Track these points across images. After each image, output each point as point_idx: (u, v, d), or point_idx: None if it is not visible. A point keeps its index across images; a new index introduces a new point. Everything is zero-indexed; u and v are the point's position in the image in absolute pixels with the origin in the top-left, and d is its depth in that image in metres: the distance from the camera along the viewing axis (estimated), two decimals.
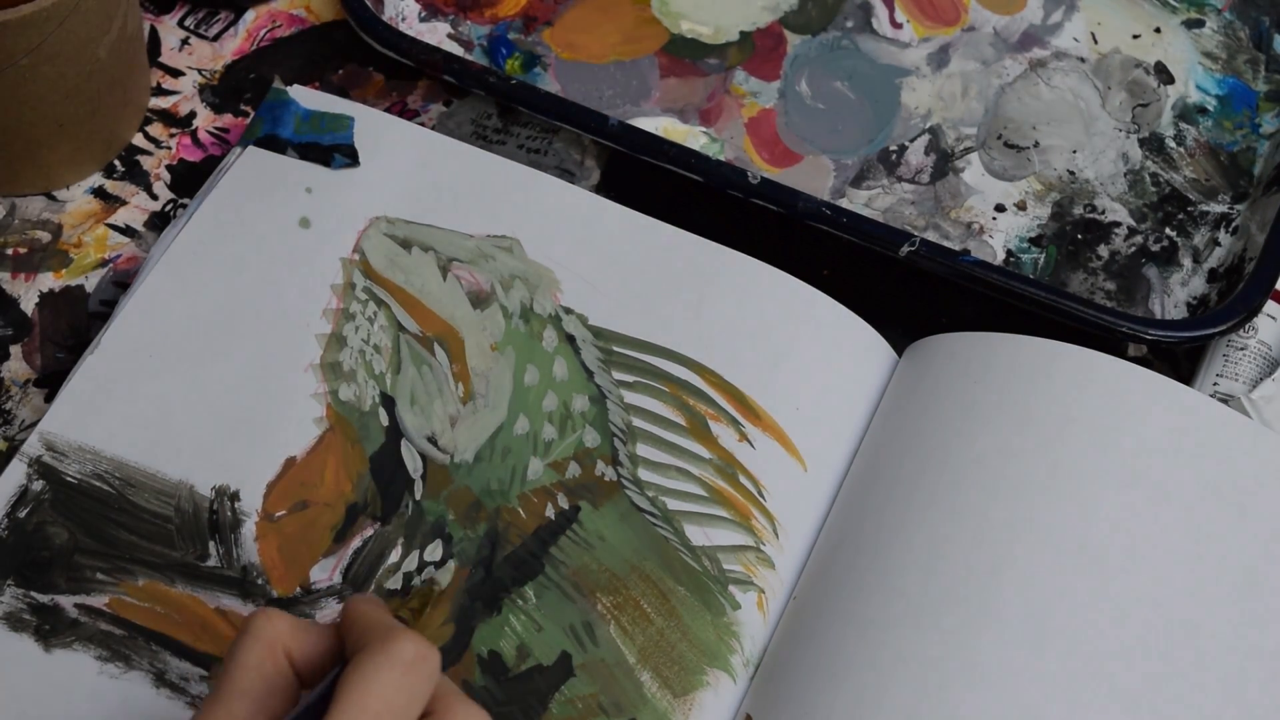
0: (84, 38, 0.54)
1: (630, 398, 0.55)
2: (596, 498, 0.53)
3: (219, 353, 0.55)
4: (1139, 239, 0.62)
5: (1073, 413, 0.52)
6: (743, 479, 0.53)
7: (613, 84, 0.65)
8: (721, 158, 0.63)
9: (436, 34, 0.66)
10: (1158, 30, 0.68)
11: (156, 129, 0.62)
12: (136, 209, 0.60)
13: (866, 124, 0.64)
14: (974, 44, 0.67)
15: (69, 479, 0.52)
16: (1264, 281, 0.58)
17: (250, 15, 0.66)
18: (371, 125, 0.60)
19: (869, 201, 0.62)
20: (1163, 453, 0.51)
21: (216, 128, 0.62)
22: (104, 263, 0.59)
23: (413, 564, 0.52)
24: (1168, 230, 0.62)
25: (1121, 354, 0.57)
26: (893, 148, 0.64)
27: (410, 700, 0.40)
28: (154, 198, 0.61)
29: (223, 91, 0.63)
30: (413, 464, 0.54)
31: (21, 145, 0.57)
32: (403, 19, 0.66)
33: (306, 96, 0.61)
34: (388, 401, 0.55)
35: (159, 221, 0.60)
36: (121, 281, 0.58)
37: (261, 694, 0.41)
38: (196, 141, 0.62)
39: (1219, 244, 0.62)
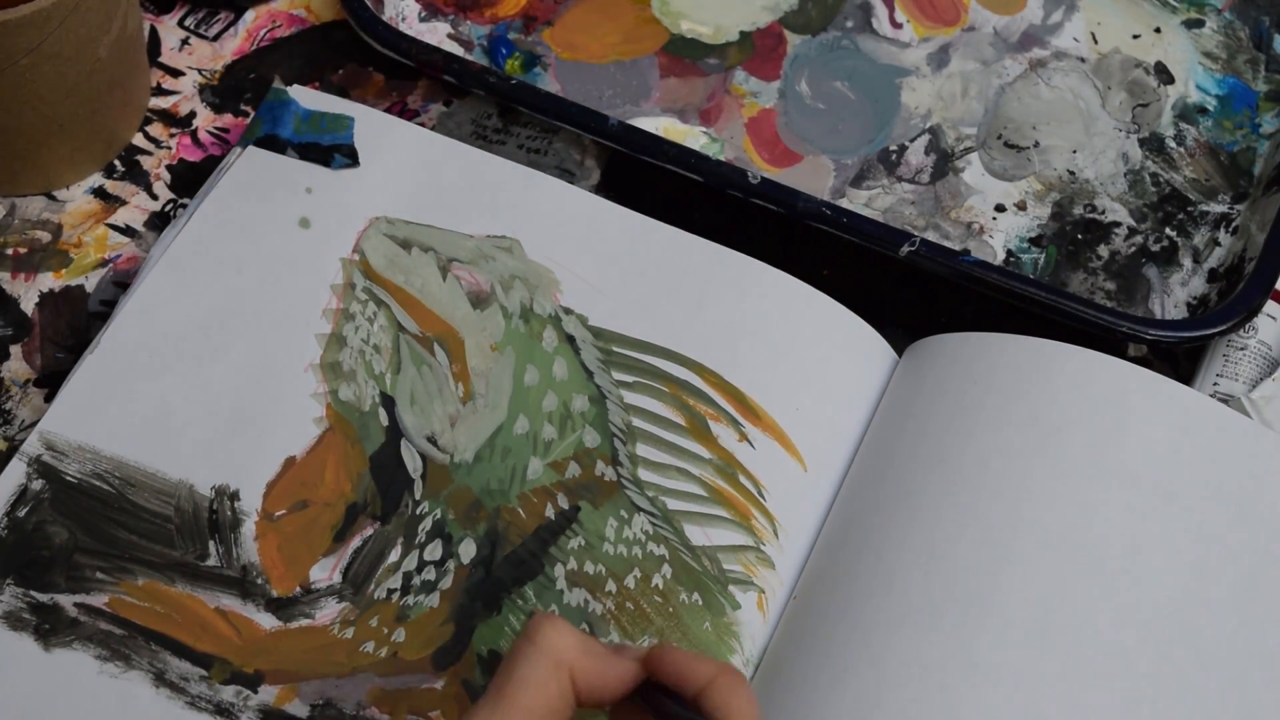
0: (84, 38, 0.54)
1: (630, 398, 0.55)
2: (596, 498, 0.53)
3: (219, 353, 0.55)
4: (1139, 239, 0.62)
5: (1073, 413, 0.52)
6: (743, 479, 0.53)
7: (613, 84, 0.65)
8: (721, 158, 0.63)
9: (436, 34, 0.66)
10: (1158, 30, 0.68)
11: (156, 129, 0.62)
12: (136, 209, 0.60)
13: (866, 124, 0.64)
14: (974, 44, 0.67)
15: (69, 478, 0.52)
16: (1264, 281, 0.58)
17: (250, 15, 0.66)
18: (371, 125, 0.60)
19: (869, 201, 0.62)
20: (1163, 453, 0.51)
21: (216, 128, 0.62)
22: (104, 263, 0.59)
23: (412, 563, 0.52)
24: (1168, 230, 0.62)
25: (1121, 354, 0.57)
26: (893, 148, 0.64)
27: None
28: (154, 198, 0.61)
29: (223, 91, 0.63)
30: (412, 464, 0.54)
31: (21, 145, 0.57)
32: (403, 19, 0.66)
33: (306, 96, 0.61)
34: (388, 401, 0.55)
35: (159, 221, 0.60)
36: (121, 281, 0.58)
37: (542, 714, 0.39)
38: (196, 141, 0.62)
39: (1219, 244, 0.62)
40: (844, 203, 0.62)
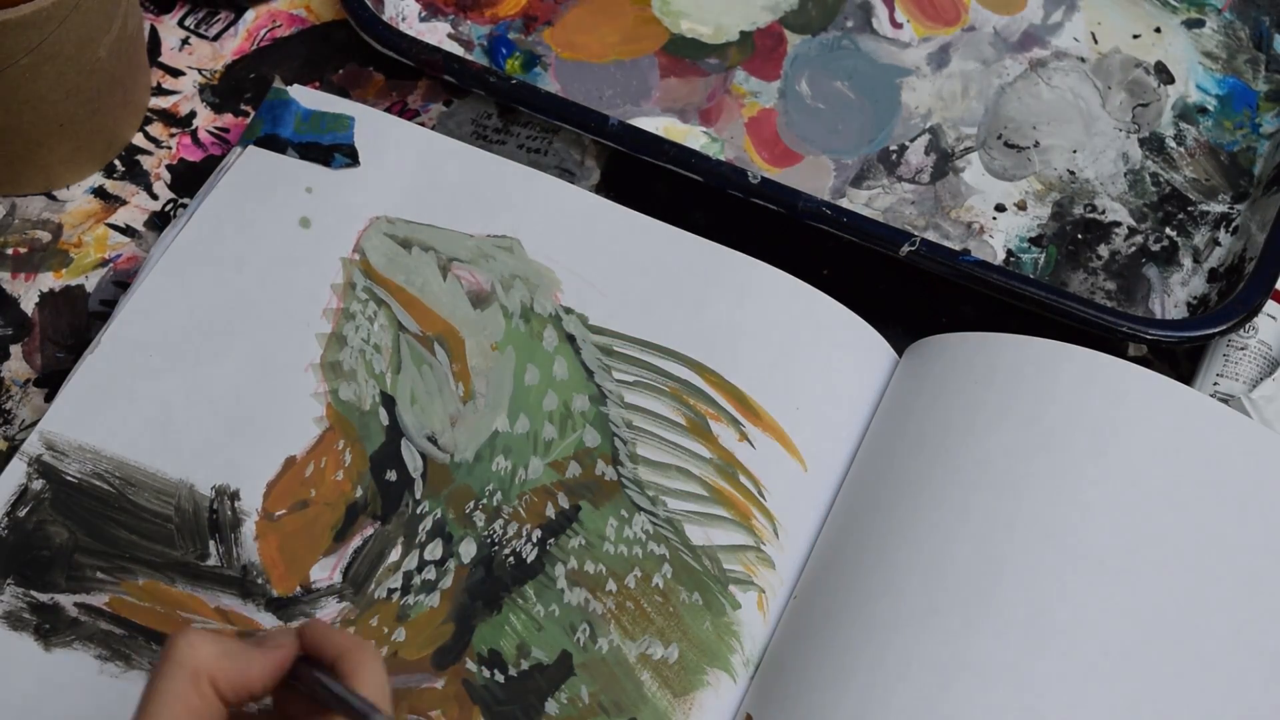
0: (84, 37, 0.54)
1: (630, 397, 0.55)
2: (597, 497, 0.53)
3: (219, 352, 0.55)
4: (1139, 239, 0.62)
5: (1073, 413, 0.52)
6: (743, 479, 0.53)
7: (613, 84, 0.65)
8: (721, 158, 0.63)
9: (436, 34, 0.66)
10: (1158, 30, 0.68)
11: (157, 129, 0.62)
12: (136, 209, 0.60)
13: (866, 124, 0.64)
14: (974, 44, 0.67)
15: (69, 478, 0.52)
16: (1264, 281, 0.58)
17: (250, 15, 0.66)
18: (372, 125, 0.60)
19: (869, 201, 0.62)
20: (1163, 453, 0.51)
21: (216, 127, 0.62)
22: (104, 262, 0.59)
23: (413, 563, 0.52)
24: (1168, 230, 0.62)
25: (1121, 354, 0.57)
26: (893, 147, 0.64)
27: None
28: (154, 197, 0.61)
29: (223, 91, 0.63)
30: (413, 463, 0.54)
31: (22, 145, 0.57)
32: (403, 19, 0.66)
33: (307, 96, 0.61)
34: (388, 401, 0.55)
35: (159, 221, 0.60)
36: (121, 281, 0.58)
37: None
38: (196, 141, 0.62)
39: (1219, 244, 0.62)
40: (844, 203, 0.62)
